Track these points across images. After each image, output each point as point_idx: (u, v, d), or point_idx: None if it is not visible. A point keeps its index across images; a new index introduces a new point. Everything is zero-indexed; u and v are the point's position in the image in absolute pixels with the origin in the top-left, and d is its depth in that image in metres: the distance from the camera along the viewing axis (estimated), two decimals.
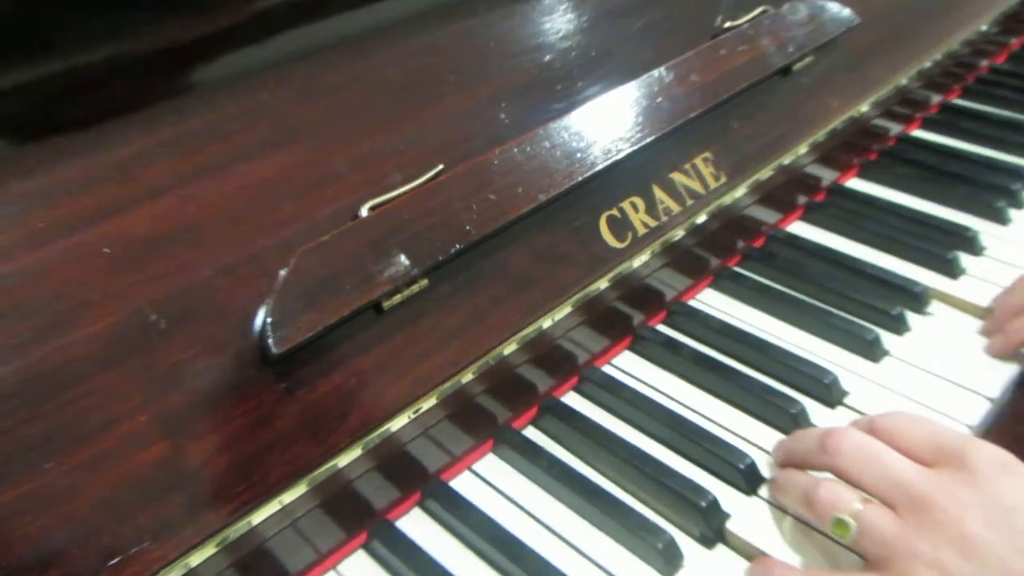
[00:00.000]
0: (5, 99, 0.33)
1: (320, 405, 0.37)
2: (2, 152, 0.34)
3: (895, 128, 0.78)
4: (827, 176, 0.70)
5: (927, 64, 0.75)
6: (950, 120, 0.81)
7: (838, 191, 0.71)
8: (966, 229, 0.63)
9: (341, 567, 0.42)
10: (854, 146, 0.72)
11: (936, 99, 0.83)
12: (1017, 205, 0.68)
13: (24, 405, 0.32)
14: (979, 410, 0.48)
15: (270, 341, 0.35)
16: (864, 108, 0.70)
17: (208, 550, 0.35)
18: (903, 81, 0.73)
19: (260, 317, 0.36)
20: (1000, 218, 0.66)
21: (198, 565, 0.35)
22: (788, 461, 0.45)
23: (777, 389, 0.50)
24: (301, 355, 0.37)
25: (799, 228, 0.67)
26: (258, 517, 0.36)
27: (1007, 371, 0.50)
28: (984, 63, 0.91)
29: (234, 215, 0.38)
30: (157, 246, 0.35)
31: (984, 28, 0.90)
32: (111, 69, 0.35)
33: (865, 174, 0.73)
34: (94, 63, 0.35)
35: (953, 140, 0.78)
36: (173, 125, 0.38)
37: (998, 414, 0.49)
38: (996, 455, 0.39)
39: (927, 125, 0.81)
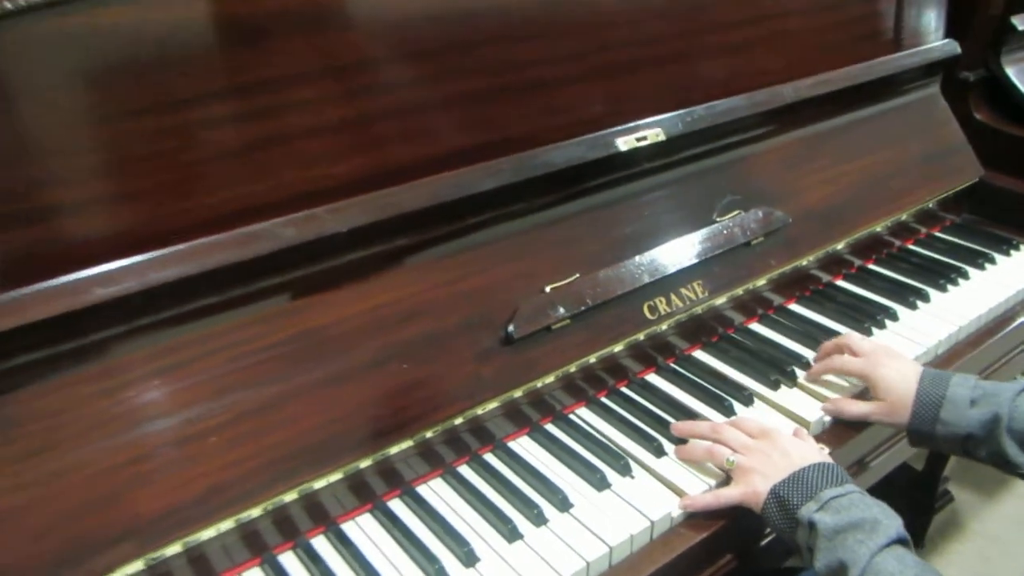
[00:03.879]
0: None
1: (527, 362, 0.95)
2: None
3: (825, 277, 1.34)
4: (777, 300, 1.26)
5: (843, 244, 1.31)
6: (863, 276, 1.36)
7: (783, 310, 1.26)
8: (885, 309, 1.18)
9: (515, 443, 0.99)
10: (795, 285, 1.28)
11: (857, 262, 1.39)
12: (881, 326, 1.22)
13: (423, 349, 0.90)
14: None
15: (513, 334, 0.94)
16: (803, 263, 1.26)
17: (476, 411, 0.93)
18: (832, 249, 1.30)
19: (509, 325, 0.95)
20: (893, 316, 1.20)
21: (469, 419, 0.93)
22: (692, 434, 0.95)
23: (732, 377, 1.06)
24: (522, 342, 0.95)
25: (755, 327, 1.23)
26: (496, 402, 0.94)
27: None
28: (897, 243, 1.46)
29: (496, 287, 0.97)
30: (475, 295, 0.95)
31: (903, 218, 1.45)
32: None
33: (801, 302, 1.29)
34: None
35: (861, 289, 1.33)
36: (481, 249, 0.98)
37: None
38: (782, 431, 0.91)
39: (847, 278, 1.36)
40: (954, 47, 1.49)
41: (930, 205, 1.48)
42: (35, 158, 0.72)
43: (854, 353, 1.05)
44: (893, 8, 1.44)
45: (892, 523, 0.78)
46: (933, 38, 1.52)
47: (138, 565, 0.76)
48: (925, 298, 1.29)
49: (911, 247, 1.46)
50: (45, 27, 0.70)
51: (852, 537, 0.77)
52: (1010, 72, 1.67)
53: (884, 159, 1.41)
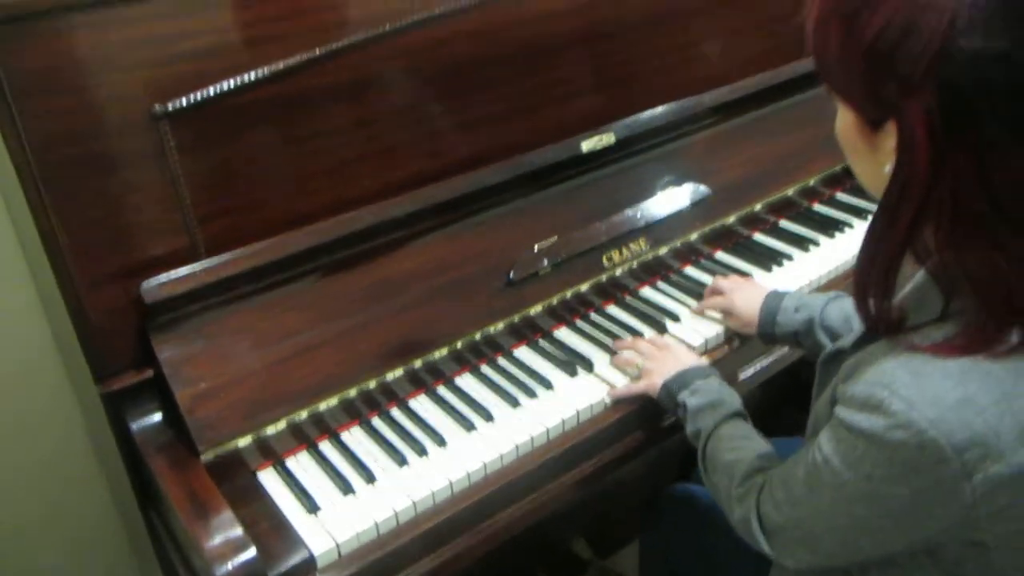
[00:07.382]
0: None
1: (523, 297, 1.44)
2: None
3: (745, 232, 1.81)
4: (706, 250, 1.74)
5: (760, 206, 1.78)
6: (775, 230, 1.83)
7: (710, 257, 1.73)
8: (785, 254, 1.66)
9: (517, 351, 1.48)
10: (722, 238, 1.75)
11: (771, 220, 1.86)
12: (780, 265, 1.69)
13: (453, 289, 1.39)
14: None
15: (513, 279, 1.42)
16: (726, 222, 1.73)
17: (489, 330, 1.42)
18: (751, 210, 1.77)
19: (510, 273, 1.43)
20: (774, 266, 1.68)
21: (485, 335, 1.42)
22: (621, 347, 1.36)
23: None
24: (519, 284, 1.44)
25: (689, 271, 1.70)
26: (502, 324, 1.43)
27: None
28: (804, 203, 1.92)
29: (500, 248, 1.45)
30: (486, 253, 1.43)
31: (812, 183, 1.91)
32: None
33: (725, 251, 1.75)
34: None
35: (771, 240, 1.80)
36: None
37: None
38: (678, 346, 1.34)
39: (763, 232, 1.82)
40: None
41: (837, 170, 1.94)
42: (232, 183, 1.22)
43: (720, 292, 1.49)
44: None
45: (733, 402, 1.15)
46: None
47: (282, 424, 1.27)
48: (816, 244, 1.76)
49: (815, 207, 1.92)
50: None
51: (706, 412, 1.14)
52: None
53: (792, 141, 1.86)
